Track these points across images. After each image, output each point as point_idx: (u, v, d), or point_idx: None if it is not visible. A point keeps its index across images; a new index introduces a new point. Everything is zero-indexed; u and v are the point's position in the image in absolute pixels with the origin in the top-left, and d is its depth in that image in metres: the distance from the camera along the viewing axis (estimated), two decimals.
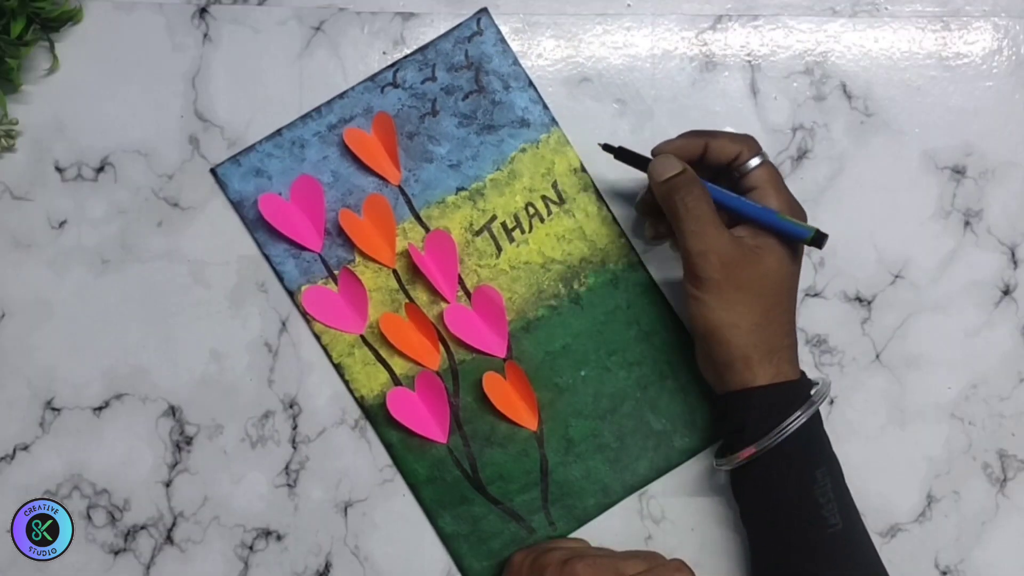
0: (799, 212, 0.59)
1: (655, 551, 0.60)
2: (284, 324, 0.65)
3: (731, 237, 0.57)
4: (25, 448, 0.65)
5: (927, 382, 0.66)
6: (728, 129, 0.61)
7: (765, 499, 0.58)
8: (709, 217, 0.57)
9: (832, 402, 0.66)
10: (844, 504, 0.57)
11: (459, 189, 0.65)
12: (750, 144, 0.59)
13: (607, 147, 0.62)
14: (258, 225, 0.65)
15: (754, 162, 0.58)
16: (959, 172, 0.66)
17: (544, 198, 0.66)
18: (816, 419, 0.58)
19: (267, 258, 0.65)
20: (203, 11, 0.66)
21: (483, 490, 0.65)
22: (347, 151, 0.65)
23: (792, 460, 0.57)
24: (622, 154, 0.61)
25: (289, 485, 0.65)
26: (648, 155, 0.60)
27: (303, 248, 0.65)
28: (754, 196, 0.58)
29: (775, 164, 0.61)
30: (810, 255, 0.66)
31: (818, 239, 0.56)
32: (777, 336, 0.57)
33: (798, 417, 0.56)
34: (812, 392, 0.58)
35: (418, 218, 0.65)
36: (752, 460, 0.57)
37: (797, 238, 0.57)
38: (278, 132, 0.65)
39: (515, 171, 0.66)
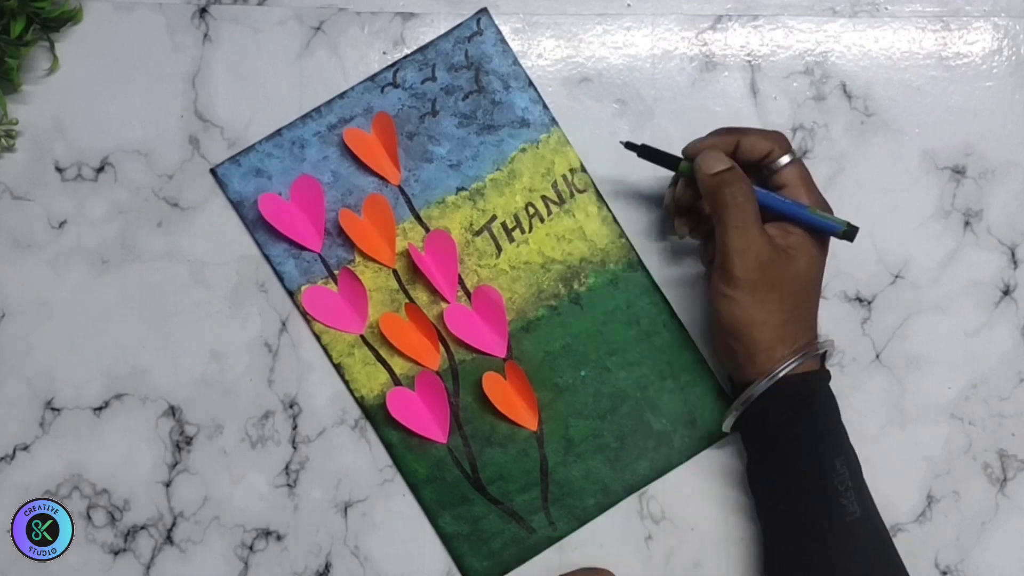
0: (828, 209, 0.59)
1: None
2: (284, 324, 0.65)
3: (769, 238, 0.57)
4: (25, 448, 0.65)
5: (927, 382, 0.66)
6: (756, 126, 0.61)
7: (784, 487, 0.58)
8: (753, 216, 0.57)
9: None
10: (863, 494, 0.57)
11: (459, 189, 0.65)
12: (781, 141, 0.59)
13: (630, 145, 0.61)
14: (258, 225, 0.65)
15: (784, 159, 0.59)
16: (959, 172, 0.66)
17: (544, 198, 0.66)
18: (834, 413, 0.59)
19: (267, 258, 0.65)
20: (203, 11, 0.66)
21: (483, 490, 0.65)
22: (347, 151, 0.65)
23: (812, 447, 0.57)
24: (646, 152, 0.61)
25: (289, 485, 0.65)
26: (677, 153, 0.61)
27: (303, 248, 0.65)
28: (785, 193, 0.58)
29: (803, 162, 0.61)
30: None
31: (850, 232, 0.57)
32: (802, 331, 0.58)
33: (797, 359, 0.57)
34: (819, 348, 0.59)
35: (418, 218, 0.65)
36: (770, 448, 0.58)
37: (830, 232, 0.58)
38: (278, 132, 0.65)
39: (515, 171, 0.66)
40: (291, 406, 0.65)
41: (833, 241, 0.66)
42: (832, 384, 0.66)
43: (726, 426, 0.61)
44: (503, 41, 0.66)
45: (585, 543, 0.64)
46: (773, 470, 0.59)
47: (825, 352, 0.60)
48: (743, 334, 0.58)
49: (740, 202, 0.56)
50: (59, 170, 0.65)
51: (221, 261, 0.65)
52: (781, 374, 0.57)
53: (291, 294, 0.65)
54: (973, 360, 0.66)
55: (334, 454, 0.65)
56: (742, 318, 0.57)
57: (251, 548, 0.65)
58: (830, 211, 0.60)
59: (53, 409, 0.65)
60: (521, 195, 0.66)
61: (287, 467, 0.65)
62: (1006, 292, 0.66)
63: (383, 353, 0.65)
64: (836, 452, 0.57)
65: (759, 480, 0.60)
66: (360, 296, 0.64)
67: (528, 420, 0.65)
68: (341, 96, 0.65)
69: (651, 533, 0.65)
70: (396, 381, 0.65)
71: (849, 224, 0.56)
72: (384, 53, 0.66)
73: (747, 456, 0.62)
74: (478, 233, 0.65)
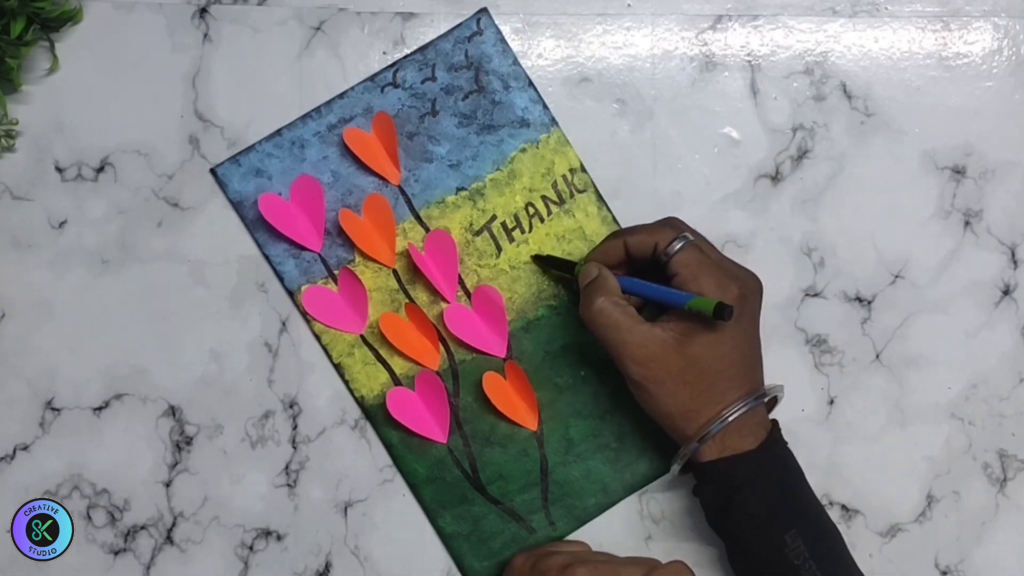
0: (728, 285, 0.57)
1: (654, 558, 0.59)
2: (284, 324, 0.65)
3: (646, 335, 0.57)
4: (25, 448, 0.65)
5: (927, 382, 0.66)
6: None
7: (742, 558, 0.58)
8: (617, 320, 0.57)
9: (832, 402, 0.66)
10: (827, 561, 0.56)
11: (459, 189, 0.65)
12: (667, 231, 0.59)
13: (536, 258, 0.65)
14: (258, 225, 0.65)
15: (675, 246, 0.58)
16: (959, 172, 0.66)
17: (544, 198, 0.66)
18: (780, 483, 0.58)
19: (267, 258, 0.65)
20: (203, 11, 0.66)
21: (483, 490, 0.65)
22: (347, 151, 0.65)
23: (754, 528, 0.57)
24: (550, 261, 0.64)
25: (289, 485, 0.65)
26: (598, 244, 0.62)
27: (303, 248, 0.65)
28: (677, 282, 0.58)
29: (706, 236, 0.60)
30: (810, 255, 0.66)
31: (720, 312, 0.54)
32: (716, 417, 0.57)
33: (738, 409, 0.56)
34: (766, 390, 0.59)
35: (418, 218, 0.65)
36: (719, 513, 0.58)
37: (704, 316, 0.55)
38: (278, 132, 0.65)
39: (515, 171, 0.66)
40: (291, 406, 0.65)
41: (833, 243, 0.66)
42: (832, 384, 0.66)
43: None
44: (503, 41, 0.66)
45: (585, 543, 0.64)
46: (728, 545, 0.59)
47: (775, 409, 0.60)
48: (658, 422, 0.59)
49: (599, 311, 0.57)
50: (59, 170, 0.65)
51: (221, 261, 0.65)
52: (676, 469, 0.59)
53: (291, 294, 0.65)
54: (973, 360, 0.66)
55: (334, 454, 0.65)
56: (648, 410, 0.59)
57: (251, 548, 0.65)
58: (734, 284, 0.57)
59: (53, 409, 0.65)
60: (521, 195, 0.66)
61: (287, 467, 0.65)
62: (1006, 292, 0.66)
63: (383, 353, 0.65)
64: (785, 526, 0.56)
65: (726, 543, 0.60)
66: (360, 296, 0.64)
67: (528, 420, 0.65)
68: (341, 96, 0.65)
69: (651, 533, 0.65)
70: (396, 381, 0.65)
71: (719, 304, 0.54)
72: (384, 53, 0.66)
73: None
74: (478, 233, 0.65)
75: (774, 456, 0.58)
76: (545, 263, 0.65)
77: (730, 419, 0.56)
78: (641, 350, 0.57)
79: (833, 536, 0.58)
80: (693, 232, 0.59)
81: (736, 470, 0.57)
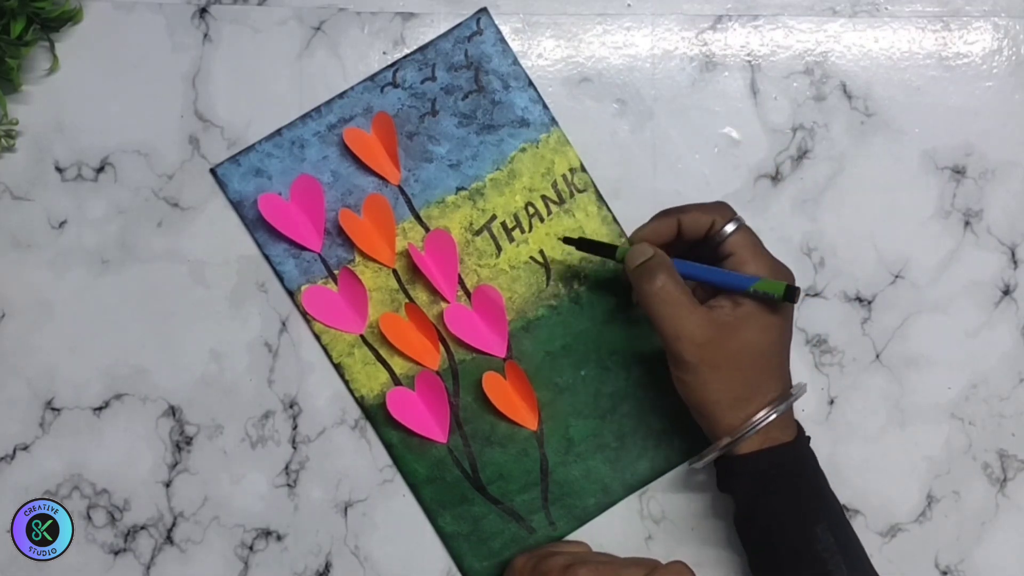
0: (781, 270, 0.58)
1: (655, 558, 0.59)
2: (284, 324, 0.65)
3: (704, 316, 0.56)
4: (25, 448, 0.65)
5: (927, 382, 0.66)
6: (698, 201, 0.60)
7: (770, 553, 0.58)
8: (678, 299, 0.56)
9: (832, 402, 0.66)
10: (850, 551, 0.56)
11: (459, 189, 0.65)
12: (722, 211, 0.59)
13: (568, 240, 0.63)
14: (258, 225, 0.65)
15: (729, 228, 0.58)
16: (959, 172, 0.66)
17: (544, 198, 0.66)
18: (810, 477, 0.58)
19: (267, 258, 0.65)
20: (203, 11, 0.66)
21: (483, 490, 0.65)
22: (347, 151, 0.65)
23: (787, 522, 0.56)
24: (584, 245, 0.62)
25: (289, 485, 0.65)
26: (624, 236, 0.61)
27: (303, 248, 0.65)
28: (731, 263, 0.57)
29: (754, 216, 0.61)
30: (810, 255, 0.66)
31: (790, 294, 0.54)
32: (764, 405, 0.57)
33: (769, 413, 0.56)
34: (792, 391, 0.58)
35: (418, 218, 0.65)
36: (754, 505, 0.58)
37: (768, 299, 0.56)
38: (278, 132, 0.65)
39: (515, 171, 0.66)
40: (291, 406, 0.65)
41: (833, 243, 0.66)
42: (832, 384, 0.66)
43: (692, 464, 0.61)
44: (503, 41, 0.66)
45: (585, 543, 0.64)
46: (756, 539, 0.59)
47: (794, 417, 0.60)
48: (700, 413, 0.58)
49: (662, 288, 0.56)
50: (59, 170, 0.65)
51: (221, 261, 0.65)
52: (709, 457, 0.58)
53: (291, 294, 0.65)
54: (973, 360, 0.66)
55: (334, 454, 0.65)
56: (694, 399, 0.58)
57: (251, 548, 0.65)
58: (783, 271, 0.58)
59: (53, 409, 0.65)
60: (521, 195, 0.66)
61: (287, 467, 0.65)
62: (1006, 292, 0.66)
63: (383, 353, 0.65)
64: (816, 519, 0.56)
65: (750, 539, 0.59)
66: (360, 296, 0.64)
67: (528, 420, 0.65)
68: (341, 96, 0.65)
69: (651, 533, 0.65)
70: (396, 381, 0.65)
71: (788, 286, 0.54)
72: (384, 53, 0.66)
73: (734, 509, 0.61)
74: (478, 233, 0.65)
75: (806, 448, 0.59)
76: (579, 246, 0.63)
77: (782, 408, 0.56)
78: (700, 330, 0.56)
79: (853, 533, 0.58)
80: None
81: (777, 460, 0.57)
